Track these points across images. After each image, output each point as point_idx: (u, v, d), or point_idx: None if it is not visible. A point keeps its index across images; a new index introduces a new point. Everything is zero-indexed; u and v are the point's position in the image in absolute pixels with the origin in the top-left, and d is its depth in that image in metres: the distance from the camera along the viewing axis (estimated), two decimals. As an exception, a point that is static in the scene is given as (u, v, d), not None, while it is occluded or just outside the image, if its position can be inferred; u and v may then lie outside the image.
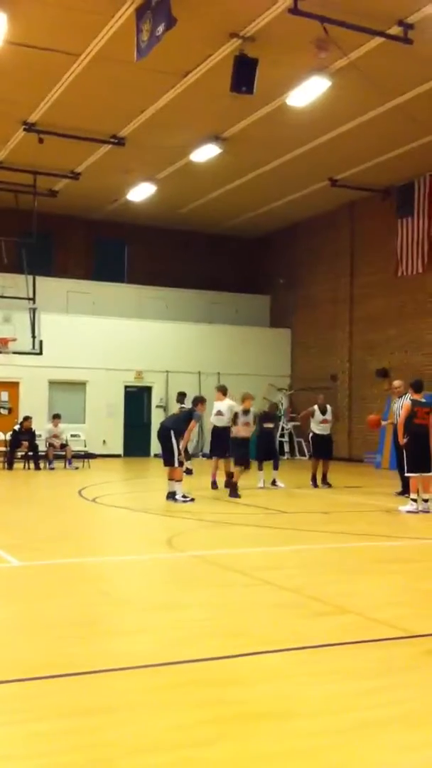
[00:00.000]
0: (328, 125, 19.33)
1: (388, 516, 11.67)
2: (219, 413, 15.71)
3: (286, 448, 26.49)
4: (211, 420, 15.90)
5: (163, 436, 13.44)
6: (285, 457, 25.39)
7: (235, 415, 14.38)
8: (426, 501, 12.03)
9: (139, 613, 5.87)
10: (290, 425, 26.77)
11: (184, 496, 13.11)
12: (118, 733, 3.59)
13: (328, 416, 16.53)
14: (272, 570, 7.56)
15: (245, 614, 5.83)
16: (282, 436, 25.95)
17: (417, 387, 12.62)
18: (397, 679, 4.39)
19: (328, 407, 16.85)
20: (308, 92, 16.76)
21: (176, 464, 13.18)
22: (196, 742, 3.50)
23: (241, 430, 14.34)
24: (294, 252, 29.07)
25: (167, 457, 13.31)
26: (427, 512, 11.90)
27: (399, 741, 3.55)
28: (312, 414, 16.55)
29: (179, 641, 5.05)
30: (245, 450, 14.41)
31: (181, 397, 18.61)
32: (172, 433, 13.27)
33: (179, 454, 13.20)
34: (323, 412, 16.51)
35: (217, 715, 3.80)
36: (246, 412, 14.42)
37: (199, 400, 14.06)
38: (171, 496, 13.21)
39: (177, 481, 13.22)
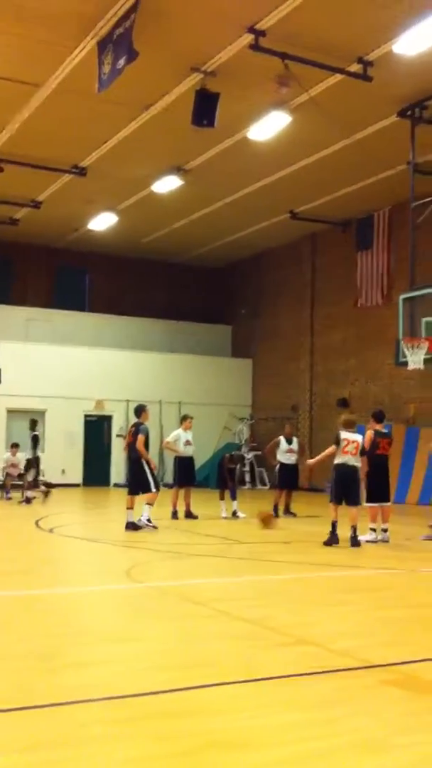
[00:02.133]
0: (288, 159, 19.62)
1: (348, 546, 11.69)
2: (188, 443, 15.57)
3: (248, 477, 26.48)
4: (181, 449, 15.51)
5: (134, 466, 13.37)
6: (246, 487, 25.38)
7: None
8: (385, 531, 12.10)
9: (97, 645, 5.80)
10: (251, 455, 26.78)
11: (148, 521, 13.05)
12: (75, 766, 3.53)
13: (294, 446, 16.55)
14: (231, 601, 7.54)
15: (203, 646, 5.79)
16: (243, 466, 25.94)
17: (378, 417, 12.72)
18: (353, 708, 4.39)
19: (295, 438, 16.89)
20: (269, 127, 17.06)
21: (153, 489, 13.06)
22: (153, 775, 3.46)
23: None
24: (256, 283, 29.31)
25: (142, 485, 13.13)
26: (386, 542, 11.98)
27: (355, 771, 3.55)
28: (278, 444, 16.53)
29: (137, 673, 5.01)
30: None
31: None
32: (143, 461, 13.21)
33: (154, 478, 13.15)
34: (289, 442, 16.51)
35: (174, 747, 3.77)
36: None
37: (141, 410, 13.76)
38: (131, 526, 13.06)
39: (148, 504, 13.14)
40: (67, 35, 14.06)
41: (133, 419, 20.99)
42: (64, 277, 29.12)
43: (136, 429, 13.42)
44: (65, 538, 12.70)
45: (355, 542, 11.47)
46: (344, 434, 11.91)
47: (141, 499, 13.27)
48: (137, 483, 13.25)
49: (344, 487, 11.75)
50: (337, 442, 11.85)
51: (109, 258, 28.65)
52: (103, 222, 24.56)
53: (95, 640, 5.93)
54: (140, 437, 13.17)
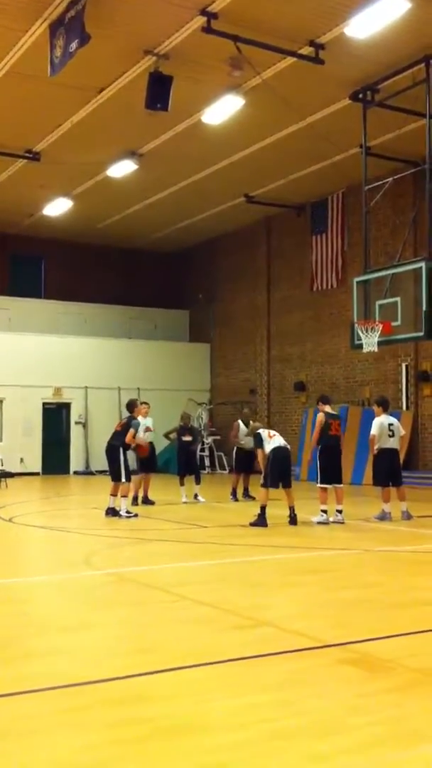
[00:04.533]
0: (242, 143, 19.59)
1: (303, 528, 11.83)
2: (148, 429, 15.51)
3: (207, 462, 26.54)
4: (142, 436, 15.11)
5: (111, 453, 13.51)
6: (206, 472, 25.44)
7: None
8: (340, 512, 12.26)
9: (55, 633, 5.80)
10: (211, 439, 26.84)
11: (128, 512, 13.18)
12: (27, 757, 3.54)
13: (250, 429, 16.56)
14: (189, 585, 7.58)
15: (161, 630, 5.83)
16: (203, 450, 25.98)
17: (326, 400, 12.96)
18: (308, 689, 4.45)
19: (251, 422, 16.83)
20: (222, 110, 17.02)
21: (123, 479, 13.21)
22: (106, 761, 3.48)
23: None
24: (212, 267, 29.29)
25: (114, 473, 13.33)
26: (342, 523, 12.13)
27: (307, 751, 3.60)
28: (238, 428, 16.55)
29: (95, 660, 5.02)
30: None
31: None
32: (120, 449, 13.31)
33: (127, 468, 13.26)
34: (247, 425, 16.49)
35: (128, 733, 3.79)
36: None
37: (133, 405, 14.01)
38: (112, 512, 13.19)
39: (122, 496, 13.28)
40: (18, 18, 13.85)
41: (95, 406, 20.84)
42: (20, 264, 28.80)
43: (128, 423, 13.58)
44: (25, 527, 12.64)
45: (293, 521, 11.96)
46: (263, 431, 12.51)
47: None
48: (112, 471, 13.48)
49: (281, 471, 12.11)
50: (260, 441, 12.29)
51: (64, 244, 28.37)
52: (58, 207, 24.31)
53: (51, 629, 5.93)
54: (131, 431, 13.43)
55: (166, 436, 16.62)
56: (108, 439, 13.89)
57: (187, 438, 16.19)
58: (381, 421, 12.83)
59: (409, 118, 17.07)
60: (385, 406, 13.18)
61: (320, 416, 12.65)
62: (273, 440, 12.24)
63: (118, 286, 29.27)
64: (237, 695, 4.35)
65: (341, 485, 12.50)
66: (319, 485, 12.42)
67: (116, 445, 13.45)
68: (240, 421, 16.64)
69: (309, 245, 24.30)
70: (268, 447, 12.17)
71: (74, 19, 13.16)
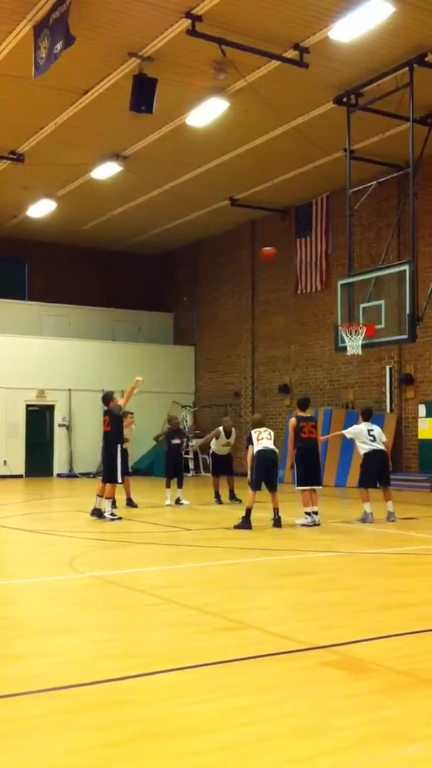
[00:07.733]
0: (227, 145, 19.61)
1: (288, 530, 11.84)
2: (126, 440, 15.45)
3: (191, 465, 26.51)
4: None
5: (106, 453, 13.43)
6: (190, 474, 25.41)
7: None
8: (316, 513, 12.31)
9: (36, 636, 5.77)
10: (195, 442, 26.80)
11: (112, 514, 13.14)
12: (10, 760, 3.51)
13: (232, 440, 16.52)
14: (174, 588, 7.57)
15: (145, 634, 5.81)
16: (187, 453, 25.92)
17: (302, 405, 13.05)
18: (292, 691, 4.45)
19: (233, 431, 16.76)
20: (207, 113, 17.05)
21: (119, 480, 13.23)
22: (91, 764, 3.46)
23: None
24: (196, 270, 29.28)
25: (107, 472, 13.26)
26: (318, 524, 12.17)
27: (292, 753, 3.59)
28: (217, 435, 16.49)
29: (77, 664, 4.99)
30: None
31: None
32: (118, 447, 13.26)
33: (120, 468, 13.25)
34: (228, 435, 16.45)
35: (113, 737, 3.78)
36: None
37: (109, 398, 13.73)
38: (97, 512, 13.17)
39: (107, 498, 13.22)
40: (2, 19, 13.82)
41: (78, 408, 20.71)
42: (3, 266, 28.66)
43: (114, 417, 13.42)
44: (8, 530, 12.58)
45: (278, 524, 11.99)
46: (254, 431, 12.49)
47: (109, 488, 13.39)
48: (106, 472, 13.41)
49: (266, 473, 12.17)
50: (250, 440, 12.36)
51: (48, 246, 28.28)
52: (41, 209, 24.24)
53: (33, 633, 5.89)
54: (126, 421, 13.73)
55: (156, 439, 16.56)
56: (102, 445, 13.78)
57: (177, 441, 16.15)
58: (360, 427, 13.20)
59: (393, 122, 17.15)
60: (366, 416, 13.37)
61: (292, 420, 12.78)
62: (260, 442, 12.24)
63: (102, 288, 29.22)
64: (222, 698, 4.34)
65: (317, 487, 12.54)
66: (297, 488, 12.48)
67: (113, 442, 13.34)
68: (221, 430, 16.48)
69: (293, 248, 24.34)
70: (255, 449, 12.18)
71: (59, 21, 13.14)
